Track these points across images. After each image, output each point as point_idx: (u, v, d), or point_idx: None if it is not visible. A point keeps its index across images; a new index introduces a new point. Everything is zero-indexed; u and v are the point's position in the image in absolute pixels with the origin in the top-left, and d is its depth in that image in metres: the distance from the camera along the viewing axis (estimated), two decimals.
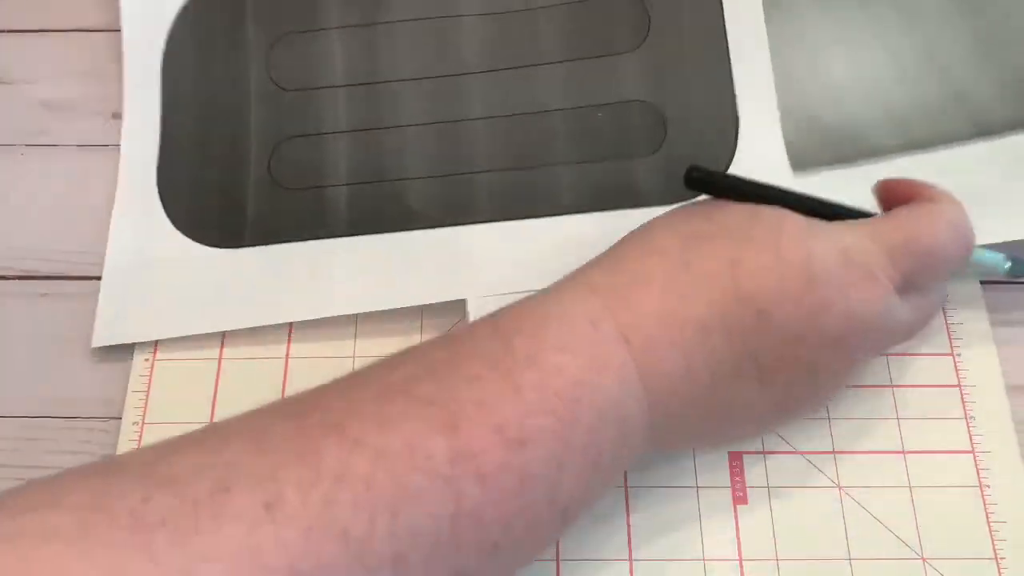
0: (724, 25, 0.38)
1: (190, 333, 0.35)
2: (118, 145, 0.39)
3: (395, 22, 0.40)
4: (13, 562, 0.19)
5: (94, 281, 0.36)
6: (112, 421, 0.34)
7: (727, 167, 0.36)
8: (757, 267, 0.26)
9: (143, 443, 0.33)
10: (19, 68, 0.41)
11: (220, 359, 0.35)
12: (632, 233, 0.29)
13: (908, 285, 0.28)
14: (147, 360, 0.35)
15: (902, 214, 0.29)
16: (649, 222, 0.29)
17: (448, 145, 0.38)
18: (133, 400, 0.34)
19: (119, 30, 0.41)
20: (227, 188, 0.37)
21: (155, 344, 0.35)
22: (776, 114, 0.37)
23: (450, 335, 0.27)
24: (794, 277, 0.26)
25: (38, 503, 0.21)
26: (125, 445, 0.33)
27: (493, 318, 0.27)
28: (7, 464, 0.33)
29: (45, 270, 0.37)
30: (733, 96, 0.37)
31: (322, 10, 0.40)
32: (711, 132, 0.37)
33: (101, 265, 0.36)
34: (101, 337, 0.35)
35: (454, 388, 0.24)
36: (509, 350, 0.25)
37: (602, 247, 0.29)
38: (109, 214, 0.37)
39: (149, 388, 0.34)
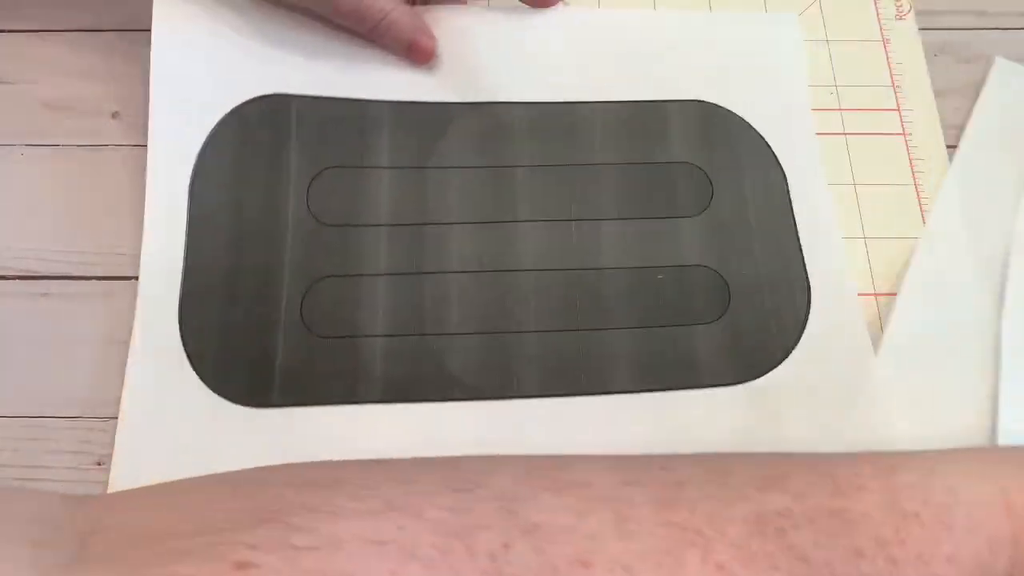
0: (789, 194, 0.39)
1: None
2: (118, 145, 0.39)
3: (447, 167, 0.38)
4: (386, 574, 0.19)
5: (94, 281, 0.36)
6: (112, 421, 0.34)
7: (799, 336, 0.36)
8: None
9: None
10: (19, 68, 0.41)
11: None
12: None
13: None
14: None
15: None
16: None
17: (494, 298, 0.36)
18: None
19: (119, 30, 0.41)
20: (256, 332, 0.35)
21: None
22: (852, 285, 0.37)
23: (832, 471, 0.26)
24: None
25: (405, 500, 0.21)
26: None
27: (889, 482, 0.25)
28: (7, 464, 0.33)
29: (45, 270, 0.37)
30: (803, 265, 0.37)
31: (371, 148, 0.38)
32: (779, 300, 0.37)
33: (100, 265, 0.36)
34: (119, 480, 0.32)
35: (833, 555, 0.23)
36: (903, 540, 0.24)
37: (658, 434, 0.31)
38: (108, 214, 0.37)
39: None
